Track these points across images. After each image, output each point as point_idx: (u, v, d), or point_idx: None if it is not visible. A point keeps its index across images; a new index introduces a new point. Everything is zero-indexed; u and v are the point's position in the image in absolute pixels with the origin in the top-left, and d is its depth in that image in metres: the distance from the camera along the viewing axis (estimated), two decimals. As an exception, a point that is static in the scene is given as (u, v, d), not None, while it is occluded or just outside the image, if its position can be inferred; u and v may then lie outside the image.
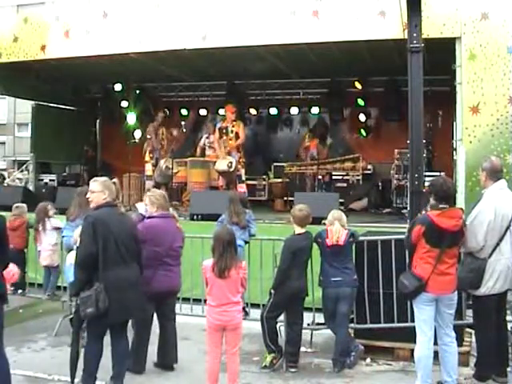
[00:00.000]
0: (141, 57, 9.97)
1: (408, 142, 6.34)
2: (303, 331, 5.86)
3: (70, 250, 6.01)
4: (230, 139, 10.83)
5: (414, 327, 4.86)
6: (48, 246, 7.68)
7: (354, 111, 13.40)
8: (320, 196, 10.49)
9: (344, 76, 12.36)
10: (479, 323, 5.21)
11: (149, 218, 5.58)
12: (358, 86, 12.55)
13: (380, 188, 12.50)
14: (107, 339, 4.83)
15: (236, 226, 6.72)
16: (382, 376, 5.50)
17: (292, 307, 5.69)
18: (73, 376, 4.72)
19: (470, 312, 5.48)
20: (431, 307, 4.73)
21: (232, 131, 10.85)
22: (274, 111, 14.10)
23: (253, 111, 14.26)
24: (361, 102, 13.10)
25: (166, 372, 5.49)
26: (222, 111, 12.92)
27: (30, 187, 13.14)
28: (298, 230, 5.73)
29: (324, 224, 6.00)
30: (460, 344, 5.34)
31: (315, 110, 13.58)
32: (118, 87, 13.65)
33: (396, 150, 11.52)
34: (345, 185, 12.53)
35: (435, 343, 4.80)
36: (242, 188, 10.74)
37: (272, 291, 5.68)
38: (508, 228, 5.01)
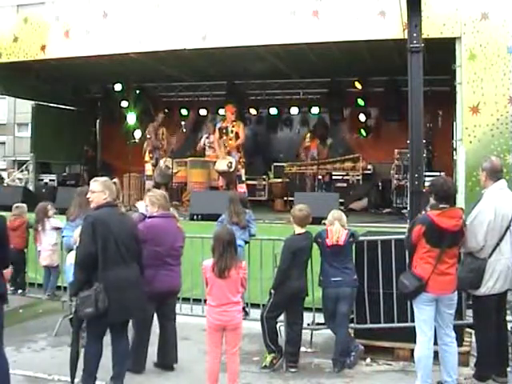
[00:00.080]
0: (141, 57, 9.97)
1: (408, 141, 6.34)
2: (303, 331, 5.86)
3: (70, 250, 6.01)
4: (230, 139, 10.82)
5: (414, 327, 4.86)
6: (48, 246, 7.68)
7: (353, 111, 13.40)
8: (320, 196, 10.49)
9: (344, 76, 12.36)
10: (479, 323, 5.21)
11: (150, 217, 5.58)
12: (358, 86, 12.55)
13: (380, 188, 12.49)
14: (107, 339, 4.83)
15: (236, 226, 6.72)
16: (382, 376, 5.50)
17: (292, 307, 5.69)
18: (73, 376, 4.72)
19: (470, 312, 5.48)
20: (431, 307, 4.73)
21: (232, 131, 10.84)
22: (274, 111, 14.10)
23: (253, 111, 14.26)
24: (361, 102, 13.10)
25: (166, 372, 5.49)
26: (222, 111, 12.92)
27: (30, 187, 13.13)
28: (298, 230, 5.73)
29: (324, 224, 6.00)
30: (460, 344, 5.34)
31: (315, 109, 13.59)
32: (118, 87, 13.66)
33: (396, 150, 11.52)
34: (345, 185, 12.53)
35: (435, 343, 4.80)
36: (242, 188, 10.73)
37: (272, 291, 5.68)
38: (508, 228, 5.01)
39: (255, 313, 6.33)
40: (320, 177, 12.37)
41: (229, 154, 10.72)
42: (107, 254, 4.62)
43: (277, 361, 5.64)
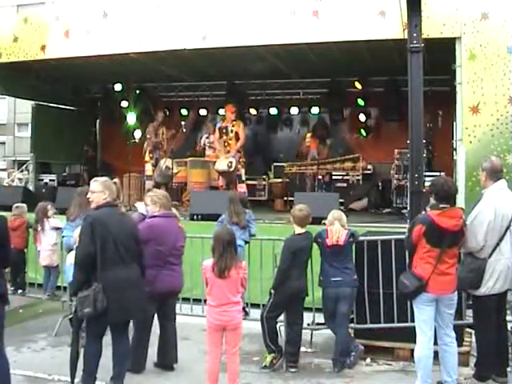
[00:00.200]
0: (141, 57, 9.97)
1: (408, 141, 6.34)
2: (303, 331, 5.86)
3: (70, 250, 6.02)
4: (230, 139, 10.82)
5: (414, 327, 4.86)
6: (47, 246, 7.68)
7: (353, 111, 13.39)
8: (320, 196, 10.48)
9: (344, 76, 12.36)
10: (479, 323, 5.21)
11: (151, 217, 5.59)
12: (358, 85, 12.55)
13: (380, 188, 12.49)
14: (108, 339, 4.83)
15: (236, 226, 6.72)
16: (382, 376, 5.50)
17: (292, 307, 5.69)
18: (73, 376, 4.72)
19: (470, 312, 5.48)
20: (431, 307, 4.73)
21: (232, 131, 10.84)
22: (274, 111, 14.10)
23: (253, 111, 14.25)
24: (361, 102, 13.09)
25: (166, 372, 5.49)
26: (222, 111, 12.92)
27: (30, 187, 13.13)
28: (298, 230, 5.73)
29: (324, 224, 6.00)
30: (460, 344, 5.35)
31: (315, 109, 13.58)
32: (118, 87, 13.65)
33: (396, 150, 11.51)
34: (345, 185, 12.51)
35: (435, 343, 4.80)
36: (242, 188, 10.73)
37: (272, 291, 5.68)
38: (508, 228, 5.01)
39: (255, 313, 6.33)
40: (320, 177, 12.36)
41: (229, 153, 10.71)
42: (106, 254, 4.62)
43: (277, 361, 5.64)
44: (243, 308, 5.42)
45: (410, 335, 5.08)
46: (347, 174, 12.57)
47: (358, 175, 12.50)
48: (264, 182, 13.25)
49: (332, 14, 8.16)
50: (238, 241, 5.23)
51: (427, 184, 6.10)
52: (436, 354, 4.80)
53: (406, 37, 6.34)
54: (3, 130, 34.06)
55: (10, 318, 4.58)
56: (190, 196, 10.16)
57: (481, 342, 5.19)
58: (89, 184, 5.09)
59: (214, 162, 10.93)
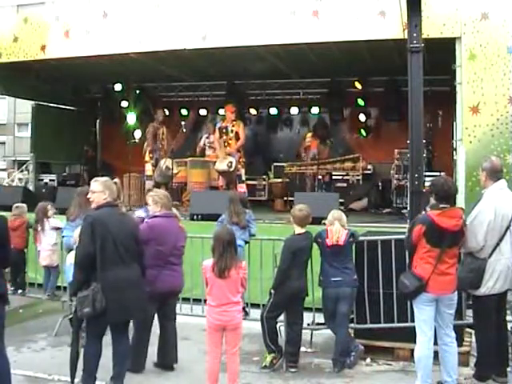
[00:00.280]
0: (141, 57, 9.97)
1: (408, 141, 6.34)
2: (303, 331, 5.86)
3: (70, 250, 6.02)
4: (230, 139, 10.81)
5: (414, 327, 4.86)
6: (47, 246, 7.68)
7: (353, 111, 13.39)
8: (320, 196, 10.48)
9: (344, 76, 12.35)
10: (479, 323, 5.21)
11: (152, 217, 5.59)
12: (358, 86, 12.55)
13: (380, 188, 12.48)
14: (108, 339, 4.83)
15: (236, 226, 6.72)
16: (382, 376, 5.50)
17: (292, 307, 5.69)
18: (73, 376, 4.73)
19: (470, 312, 5.48)
20: (431, 307, 4.73)
21: (232, 131, 10.83)
22: (274, 111, 14.09)
23: (253, 111, 14.25)
24: (361, 102, 13.09)
25: (166, 372, 5.50)
26: (221, 111, 12.91)
27: (30, 187, 13.13)
28: (298, 230, 5.73)
29: (324, 224, 6.00)
30: (460, 344, 5.35)
31: (315, 109, 13.58)
32: (118, 87, 13.65)
33: (396, 150, 11.51)
34: (345, 185, 12.51)
35: (435, 343, 4.80)
36: (242, 188, 10.72)
37: (272, 291, 5.68)
38: (508, 228, 5.01)
39: (255, 313, 6.33)
40: (320, 177, 12.35)
41: (229, 153, 10.72)
42: (105, 254, 4.62)
43: (277, 361, 5.65)
44: (243, 308, 5.42)
45: (409, 335, 5.08)
46: (347, 174, 12.57)
47: (357, 175, 12.50)
48: (264, 182, 13.25)
49: (332, 13, 8.15)
50: (238, 241, 5.23)
51: (427, 184, 6.10)
52: (436, 353, 4.80)
53: (406, 37, 6.34)
54: (3, 129, 34.07)
55: (10, 318, 4.58)
56: (190, 196, 10.16)
57: (481, 341, 5.19)
58: (89, 184, 5.09)
59: (214, 162, 10.92)
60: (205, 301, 5.29)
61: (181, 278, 5.65)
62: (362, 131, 13.58)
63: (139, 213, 6.31)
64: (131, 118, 12.21)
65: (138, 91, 13.88)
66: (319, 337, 6.34)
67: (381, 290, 5.81)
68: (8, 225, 4.66)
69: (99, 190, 4.88)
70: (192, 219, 9.00)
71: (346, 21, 8.06)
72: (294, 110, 13.97)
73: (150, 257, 5.16)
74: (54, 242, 7.64)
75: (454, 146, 9.00)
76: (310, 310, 6.25)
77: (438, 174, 9.27)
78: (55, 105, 14.04)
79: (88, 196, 5.04)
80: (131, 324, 5.21)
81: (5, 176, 19.97)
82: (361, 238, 5.92)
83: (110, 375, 4.82)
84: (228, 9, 8.65)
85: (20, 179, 17.64)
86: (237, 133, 10.83)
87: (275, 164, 13.80)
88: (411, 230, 4.81)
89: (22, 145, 27.99)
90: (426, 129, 10.17)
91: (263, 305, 5.97)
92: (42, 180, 13.69)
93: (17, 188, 13.05)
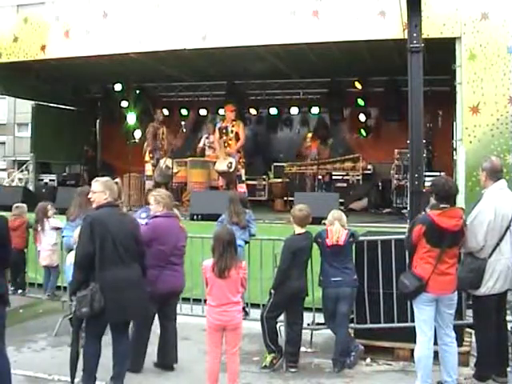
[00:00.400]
0: (141, 57, 9.97)
1: (408, 141, 6.34)
2: (303, 331, 5.86)
3: (70, 250, 6.02)
4: (230, 139, 10.80)
5: (414, 327, 4.86)
6: (47, 246, 7.68)
7: (353, 111, 13.39)
8: (320, 196, 10.48)
9: (344, 76, 12.35)
10: (479, 323, 5.21)
11: (153, 217, 5.59)
12: (358, 86, 12.55)
13: (380, 188, 12.48)
14: (108, 339, 4.83)
15: (236, 226, 6.72)
16: (382, 376, 5.50)
17: (292, 307, 5.69)
18: (73, 376, 4.72)
19: (470, 312, 5.48)
20: (431, 307, 4.73)
21: (232, 131, 10.82)
22: (274, 111, 14.09)
23: (253, 111, 14.25)
24: (361, 102, 13.09)
25: (166, 372, 5.49)
26: (221, 111, 12.91)
27: (30, 187, 13.13)
28: (298, 230, 5.73)
29: (324, 224, 6.00)
30: (460, 344, 5.35)
31: (315, 109, 13.58)
32: (118, 87, 13.65)
33: (396, 150, 11.51)
34: (345, 185, 12.52)
35: (435, 343, 4.80)
36: (242, 188, 10.71)
37: (272, 291, 5.68)
38: (508, 228, 5.01)
39: (255, 313, 6.33)
40: (320, 177, 12.37)
41: (229, 154, 10.71)
42: (104, 253, 4.62)
43: (277, 361, 5.64)
44: (243, 308, 5.42)
45: (409, 335, 5.08)
46: (347, 174, 12.58)
47: (357, 175, 12.51)
48: (264, 182, 13.25)
49: (332, 13, 8.16)
50: (238, 241, 5.23)
51: (427, 184, 6.10)
52: (436, 354, 4.80)
53: (406, 37, 6.34)
54: (3, 129, 34.07)
55: (10, 318, 4.58)
56: (190, 196, 10.16)
57: (481, 341, 5.19)
58: (89, 184, 5.10)
59: (214, 162, 10.92)
60: (205, 301, 5.29)
61: (182, 278, 5.64)
62: (362, 131, 13.58)
63: (141, 215, 6.30)
64: (131, 118, 12.21)
65: (137, 91, 13.88)
66: (319, 337, 6.34)
67: (381, 290, 5.81)
68: (8, 225, 4.66)
69: (100, 190, 4.88)
70: (192, 219, 9.00)
71: (345, 21, 8.07)
72: (294, 110, 13.96)
73: (152, 257, 5.16)
74: (54, 242, 7.64)
75: (454, 146, 9.00)
76: (310, 310, 6.25)
77: (438, 173, 9.28)
78: (55, 105, 14.04)
79: (89, 196, 5.05)
80: (131, 324, 5.21)
81: (5, 176, 19.97)
82: (361, 238, 5.92)
83: (110, 375, 4.82)
84: (228, 9, 8.65)
85: (20, 179, 17.63)
86: (237, 133, 10.81)
87: (275, 164, 13.81)
88: (411, 230, 4.81)
89: (22, 145, 27.99)
90: (426, 129, 10.17)
91: (263, 305, 5.97)
92: (42, 180, 13.69)
93: (17, 188, 13.04)
